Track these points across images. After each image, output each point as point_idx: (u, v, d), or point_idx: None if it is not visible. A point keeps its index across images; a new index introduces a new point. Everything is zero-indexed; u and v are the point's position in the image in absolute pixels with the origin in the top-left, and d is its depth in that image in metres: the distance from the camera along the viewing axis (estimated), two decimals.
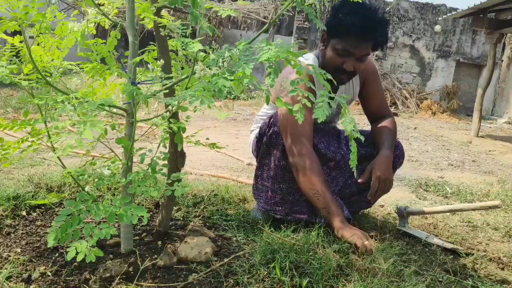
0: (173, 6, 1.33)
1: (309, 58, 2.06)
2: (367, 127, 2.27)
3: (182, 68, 1.60)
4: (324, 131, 2.14)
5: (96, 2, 1.40)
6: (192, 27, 1.30)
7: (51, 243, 1.09)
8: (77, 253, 1.12)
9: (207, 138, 1.78)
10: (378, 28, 1.85)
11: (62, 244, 1.21)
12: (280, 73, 1.18)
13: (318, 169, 1.85)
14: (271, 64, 1.07)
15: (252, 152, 2.25)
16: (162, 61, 1.21)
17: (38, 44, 1.33)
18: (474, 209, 2.17)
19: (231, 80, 1.04)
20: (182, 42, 1.08)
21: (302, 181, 1.87)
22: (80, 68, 1.49)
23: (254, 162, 2.24)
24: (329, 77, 1.26)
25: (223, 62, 1.04)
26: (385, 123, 2.12)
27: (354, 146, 1.51)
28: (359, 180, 1.96)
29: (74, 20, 1.52)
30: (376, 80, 2.20)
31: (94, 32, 1.55)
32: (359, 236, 1.69)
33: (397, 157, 2.10)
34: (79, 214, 1.14)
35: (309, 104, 1.24)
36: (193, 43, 1.00)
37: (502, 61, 13.29)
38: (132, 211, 1.13)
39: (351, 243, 1.68)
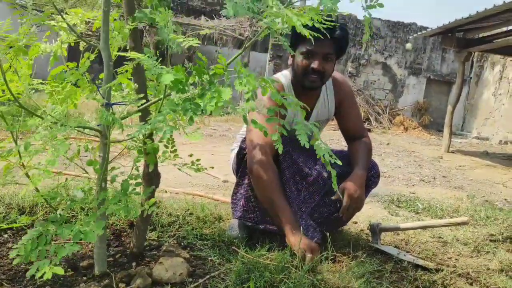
0: (150, 22, 1.35)
1: (279, 76, 2.13)
2: (343, 142, 2.33)
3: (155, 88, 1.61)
4: (303, 148, 2.18)
5: (69, 22, 1.40)
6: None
7: (15, 261, 1.15)
8: (37, 271, 1.16)
9: (191, 155, 1.78)
10: (336, 28, 1.93)
11: (26, 261, 1.21)
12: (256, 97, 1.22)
13: (274, 178, 1.88)
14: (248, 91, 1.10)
15: (233, 171, 2.27)
16: (136, 85, 1.23)
17: (10, 67, 1.32)
18: (444, 226, 2.24)
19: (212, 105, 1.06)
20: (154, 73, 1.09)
21: (258, 188, 1.91)
22: (52, 89, 1.48)
23: (230, 179, 2.24)
24: (302, 104, 1.30)
25: (195, 87, 1.07)
26: (360, 143, 2.18)
27: (333, 171, 1.53)
28: (332, 198, 2.00)
29: (46, 42, 1.52)
30: (352, 101, 2.27)
31: (66, 54, 1.54)
32: (303, 247, 1.73)
33: (372, 177, 2.15)
34: (47, 236, 1.16)
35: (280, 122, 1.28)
36: (165, 73, 1.02)
37: (471, 78, 13.73)
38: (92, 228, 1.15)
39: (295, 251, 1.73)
